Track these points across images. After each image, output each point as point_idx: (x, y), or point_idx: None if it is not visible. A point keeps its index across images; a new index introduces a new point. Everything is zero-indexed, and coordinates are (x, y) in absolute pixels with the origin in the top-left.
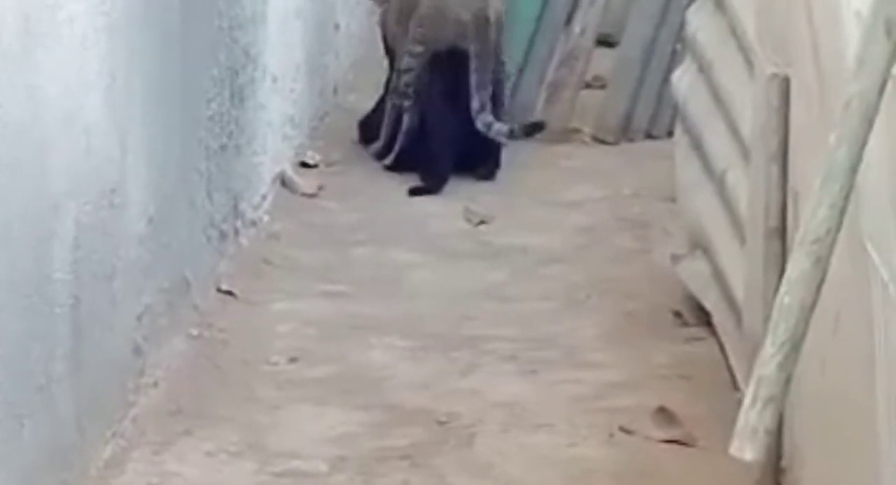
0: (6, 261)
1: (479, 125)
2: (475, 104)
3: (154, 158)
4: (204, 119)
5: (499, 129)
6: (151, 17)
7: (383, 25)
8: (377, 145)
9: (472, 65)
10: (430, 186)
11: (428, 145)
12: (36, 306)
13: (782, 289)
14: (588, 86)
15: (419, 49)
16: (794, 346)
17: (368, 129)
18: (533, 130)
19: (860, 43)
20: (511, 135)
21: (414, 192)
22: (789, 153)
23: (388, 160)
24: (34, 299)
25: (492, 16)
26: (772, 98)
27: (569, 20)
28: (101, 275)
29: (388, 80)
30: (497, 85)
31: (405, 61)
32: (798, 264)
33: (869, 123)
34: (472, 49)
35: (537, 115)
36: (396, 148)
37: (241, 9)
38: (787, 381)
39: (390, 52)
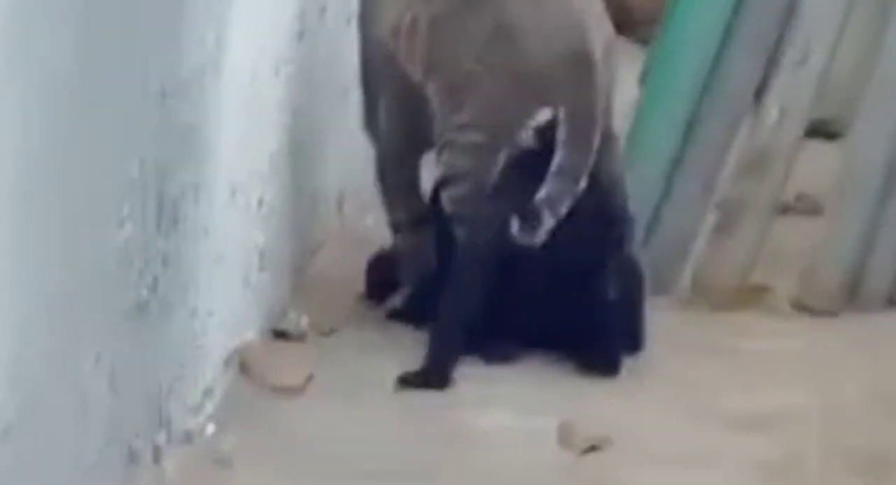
0: None
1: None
2: (542, 192)
3: (13, 321)
4: (109, 253)
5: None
6: (28, 72)
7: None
8: (396, 300)
9: (562, 132)
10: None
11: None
12: None
13: None
14: (788, 210)
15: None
16: None
17: (382, 272)
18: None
19: None
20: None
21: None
22: None
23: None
24: None
25: (597, 54)
26: None
27: (759, 93)
28: None
29: (381, 169)
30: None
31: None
32: None
33: None
34: (563, 110)
35: (693, 259)
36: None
37: (178, 64)
38: None
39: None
